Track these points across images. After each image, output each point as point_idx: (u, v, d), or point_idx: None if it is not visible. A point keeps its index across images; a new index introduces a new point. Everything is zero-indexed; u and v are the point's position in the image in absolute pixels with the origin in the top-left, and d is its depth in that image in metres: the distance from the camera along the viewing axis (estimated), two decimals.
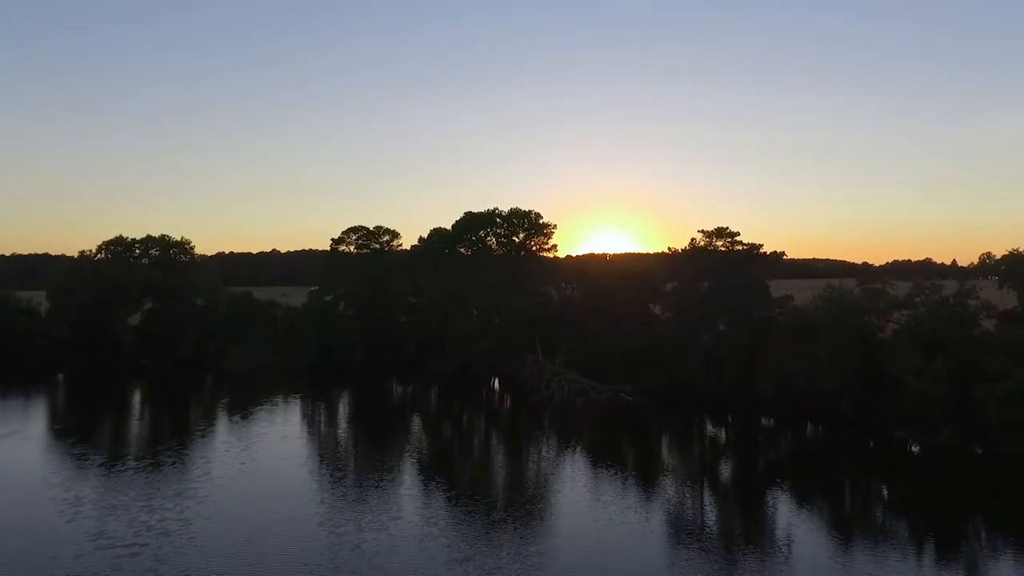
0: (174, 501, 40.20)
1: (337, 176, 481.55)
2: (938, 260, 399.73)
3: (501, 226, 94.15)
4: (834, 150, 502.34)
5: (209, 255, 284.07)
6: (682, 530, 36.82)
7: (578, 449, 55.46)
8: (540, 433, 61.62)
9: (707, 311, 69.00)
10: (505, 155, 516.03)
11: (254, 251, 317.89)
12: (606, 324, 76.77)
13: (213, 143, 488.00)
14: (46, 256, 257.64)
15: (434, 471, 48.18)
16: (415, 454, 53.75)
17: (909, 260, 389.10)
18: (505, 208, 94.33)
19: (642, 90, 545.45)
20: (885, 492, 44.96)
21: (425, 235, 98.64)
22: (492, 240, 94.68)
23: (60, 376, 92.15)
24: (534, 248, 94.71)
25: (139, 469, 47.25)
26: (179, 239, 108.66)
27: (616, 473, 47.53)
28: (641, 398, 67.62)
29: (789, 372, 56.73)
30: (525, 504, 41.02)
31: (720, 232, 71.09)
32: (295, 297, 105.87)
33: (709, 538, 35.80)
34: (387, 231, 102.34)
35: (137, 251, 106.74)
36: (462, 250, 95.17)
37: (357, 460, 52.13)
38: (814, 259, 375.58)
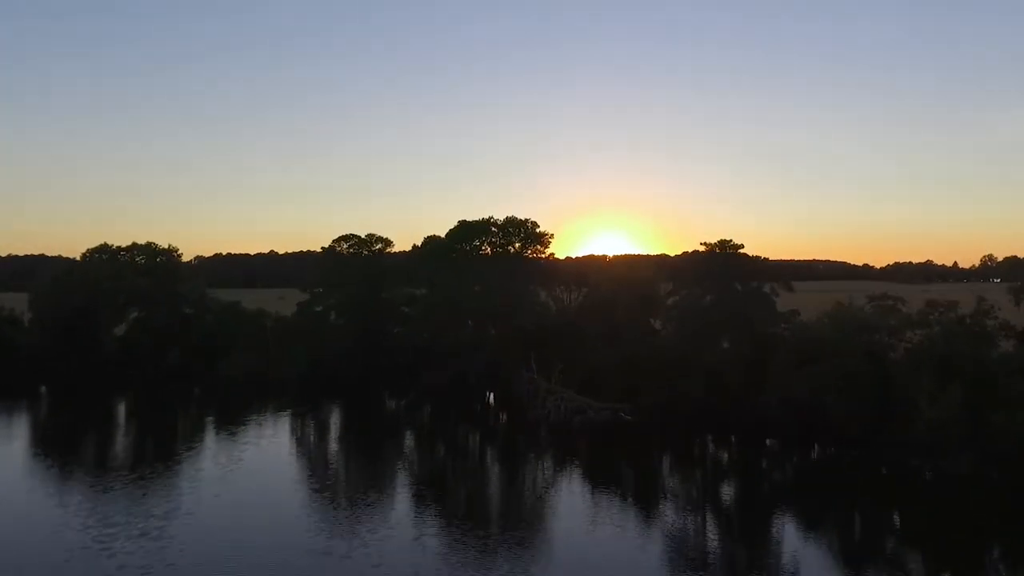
0: (154, 523, 38.23)
1: (336, 177, 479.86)
2: (939, 262, 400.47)
3: (496, 235, 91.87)
4: (835, 151, 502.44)
5: (207, 256, 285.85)
6: (682, 558, 35.23)
7: (574, 470, 53.78)
8: (535, 453, 59.68)
9: (709, 325, 66.67)
10: (505, 156, 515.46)
11: (251, 252, 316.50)
12: (605, 333, 74.61)
13: (212, 144, 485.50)
14: (43, 257, 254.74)
15: (426, 495, 46.25)
16: (407, 477, 51.90)
17: (910, 262, 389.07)
18: (501, 216, 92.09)
19: (642, 90, 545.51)
20: (896, 520, 42.95)
21: (420, 242, 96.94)
22: (488, 249, 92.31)
23: (43, 388, 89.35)
24: (531, 256, 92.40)
25: (122, 487, 45.45)
26: (166, 246, 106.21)
27: (614, 496, 45.93)
28: (640, 417, 65.30)
29: (795, 392, 54.38)
30: (519, 530, 39.53)
31: (723, 244, 68.73)
32: (292, 299, 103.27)
33: (711, 566, 34.34)
34: (379, 239, 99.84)
35: (122, 258, 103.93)
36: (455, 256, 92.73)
37: (348, 482, 50.40)
38: (814, 260, 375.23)
